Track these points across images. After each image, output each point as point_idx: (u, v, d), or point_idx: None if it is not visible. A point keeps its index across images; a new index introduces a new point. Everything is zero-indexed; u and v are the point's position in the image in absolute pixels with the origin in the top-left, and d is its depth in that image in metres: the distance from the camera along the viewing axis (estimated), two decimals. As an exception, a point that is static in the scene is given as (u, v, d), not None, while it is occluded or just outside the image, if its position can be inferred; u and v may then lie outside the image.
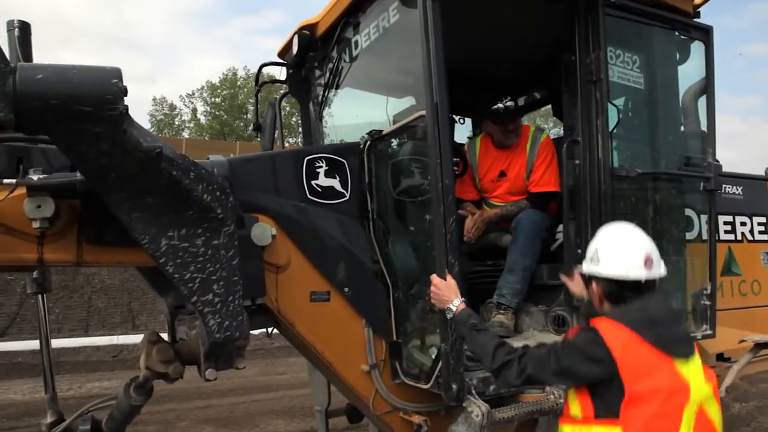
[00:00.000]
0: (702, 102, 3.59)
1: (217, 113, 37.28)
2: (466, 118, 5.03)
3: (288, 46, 3.72)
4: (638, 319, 1.99)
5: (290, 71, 3.90)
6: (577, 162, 3.07)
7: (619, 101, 3.22)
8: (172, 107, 38.33)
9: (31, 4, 47.08)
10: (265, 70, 3.95)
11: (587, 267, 2.19)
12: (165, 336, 2.54)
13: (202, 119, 37.90)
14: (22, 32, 2.08)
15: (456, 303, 2.37)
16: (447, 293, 2.40)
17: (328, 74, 3.58)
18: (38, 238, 2.04)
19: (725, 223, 4.23)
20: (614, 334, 1.96)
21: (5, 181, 1.99)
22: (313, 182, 2.71)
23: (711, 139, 3.52)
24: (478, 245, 3.64)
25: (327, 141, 3.85)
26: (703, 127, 3.58)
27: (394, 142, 3.00)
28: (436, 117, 2.52)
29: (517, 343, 2.47)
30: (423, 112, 2.56)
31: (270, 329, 2.74)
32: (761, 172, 4.73)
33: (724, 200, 4.06)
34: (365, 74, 3.72)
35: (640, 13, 3.20)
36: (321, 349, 2.66)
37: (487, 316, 3.28)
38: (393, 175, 2.89)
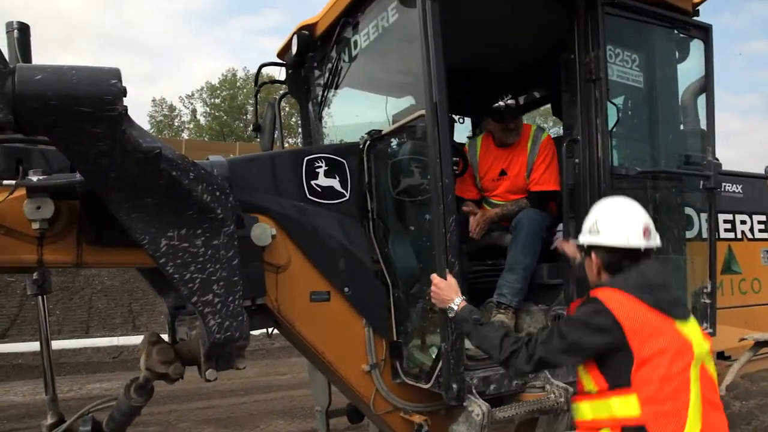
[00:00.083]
0: (701, 100, 3.59)
1: (216, 114, 37.25)
2: (466, 118, 5.03)
3: (287, 46, 3.72)
4: (637, 285, 2.06)
5: (289, 71, 3.90)
6: (577, 161, 3.07)
7: (619, 100, 3.22)
8: (172, 108, 38.32)
9: (30, 5, 47.15)
10: (264, 70, 3.95)
11: (587, 238, 2.25)
12: (165, 337, 2.54)
13: (202, 120, 37.90)
14: (21, 34, 2.08)
15: (457, 302, 2.37)
16: (448, 292, 2.40)
17: (327, 74, 3.58)
18: (38, 240, 2.04)
19: (725, 221, 4.23)
20: (617, 301, 2.02)
21: (5, 182, 2.00)
22: (312, 182, 2.71)
23: (710, 137, 3.52)
24: (478, 245, 3.64)
25: (327, 141, 3.85)
26: (703, 125, 3.59)
27: (394, 142, 3.00)
28: (436, 116, 2.52)
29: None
30: (422, 112, 2.57)
31: (270, 329, 2.74)
32: (761, 171, 4.74)
33: (724, 198, 4.06)
34: (365, 74, 3.72)
35: (640, 11, 3.20)
36: (321, 349, 2.66)
37: (487, 315, 3.28)
38: (393, 174, 2.89)
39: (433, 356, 2.67)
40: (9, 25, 2.08)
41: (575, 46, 3.08)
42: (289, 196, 2.66)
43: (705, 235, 3.59)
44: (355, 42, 3.28)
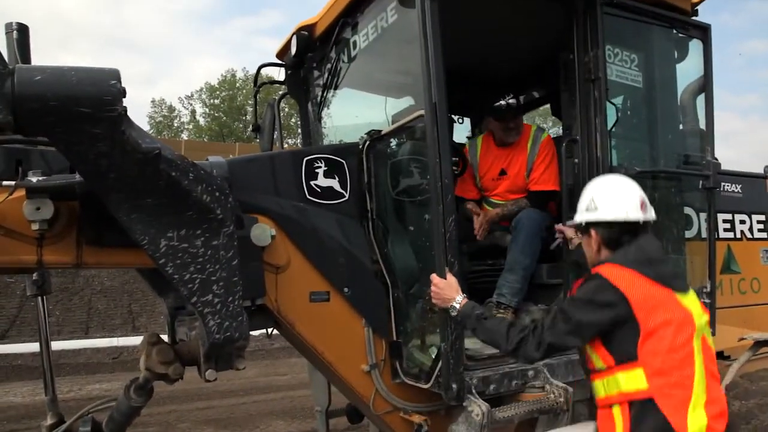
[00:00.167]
0: (700, 100, 3.59)
1: (216, 115, 37.23)
2: (465, 118, 5.04)
3: (286, 46, 3.72)
4: (637, 260, 2.09)
5: (289, 72, 3.90)
6: (576, 161, 3.07)
7: (618, 100, 3.22)
8: (171, 109, 38.30)
9: (30, 5, 47.13)
10: (264, 71, 3.95)
11: (585, 216, 2.27)
12: (165, 337, 2.54)
13: (201, 121, 37.89)
14: (21, 34, 2.09)
15: (459, 300, 2.37)
16: (448, 291, 2.41)
17: (326, 75, 3.58)
18: (38, 240, 2.04)
19: (724, 221, 4.23)
20: (619, 275, 2.04)
21: (4, 183, 1.99)
22: (312, 183, 2.71)
23: (710, 137, 3.52)
24: (478, 245, 3.65)
25: (326, 141, 3.85)
26: (702, 125, 3.59)
27: (393, 142, 3.00)
28: (435, 117, 2.52)
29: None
30: (422, 112, 2.57)
31: (270, 330, 2.74)
32: (760, 171, 4.74)
33: (723, 198, 4.06)
34: (364, 74, 3.72)
35: (638, 11, 3.21)
36: (321, 349, 2.66)
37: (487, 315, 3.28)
38: (392, 175, 2.89)
39: (433, 356, 2.67)
40: (8, 26, 2.09)
41: (574, 45, 3.09)
42: (289, 197, 2.66)
43: (704, 234, 3.59)
44: (355, 42, 3.28)
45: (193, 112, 38.12)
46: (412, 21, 2.61)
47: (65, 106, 1.58)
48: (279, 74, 3.95)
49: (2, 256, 2.02)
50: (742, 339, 3.78)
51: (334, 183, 2.77)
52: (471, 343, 2.83)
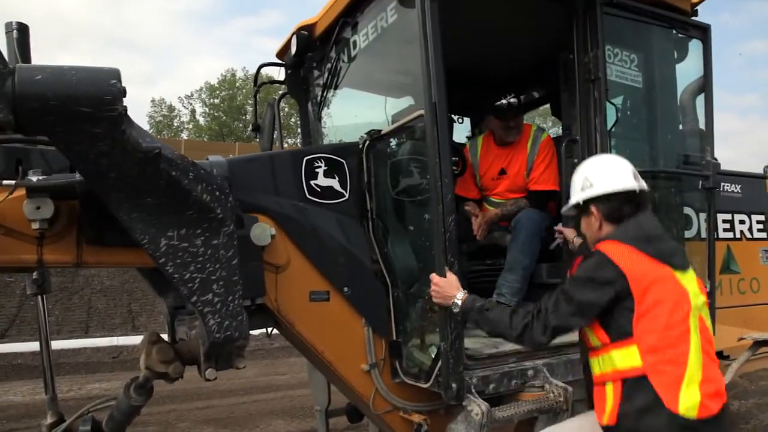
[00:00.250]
0: (700, 100, 3.59)
1: (215, 114, 37.24)
2: (465, 118, 5.04)
3: (286, 46, 3.72)
4: (636, 236, 2.10)
5: (289, 72, 3.90)
6: (576, 161, 3.07)
7: (618, 100, 3.23)
8: (171, 108, 38.32)
9: (30, 5, 47.10)
10: (263, 70, 3.95)
11: (582, 195, 2.28)
12: (165, 336, 2.54)
13: (201, 120, 37.90)
14: (21, 34, 2.08)
15: (459, 296, 2.37)
16: (449, 289, 2.41)
17: (326, 74, 3.58)
18: (38, 240, 2.04)
19: (724, 221, 4.23)
20: (619, 251, 2.05)
21: (4, 182, 2.00)
22: (312, 182, 2.71)
23: (709, 137, 3.52)
24: (478, 244, 3.66)
25: (326, 141, 3.85)
26: (702, 125, 3.59)
27: (393, 142, 3.00)
28: (435, 116, 2.52)
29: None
30: (421, 112, 2.57)
31: (270, 329, 2.74)
32: (760, 171, 4.74)
33: (723, 198, 4.06)
34: (364, 74, 3.72)
35: (638, 11, 3.21)
36: (321, 348, 2.66)
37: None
38: (392, 174, 2.89)
39: (433, 356, 2.67)
40: (8, 25, 2.08)
41: (574, 45, 3.09)
42: (289, 196, 2.66)
43: (704, 234, 3.59)
44: (355, 42, 3.28)
45: (193, 111, 38.18)
46: (412, 21, 2.61)
47: (65, 105, 1.58)
48: (279, 74, 3.96)
49: (2, 255, 2.02)
50: (742, 339, 3.78)
51: (334, 182, 2.77)
52: (471, 343, 2.83)
